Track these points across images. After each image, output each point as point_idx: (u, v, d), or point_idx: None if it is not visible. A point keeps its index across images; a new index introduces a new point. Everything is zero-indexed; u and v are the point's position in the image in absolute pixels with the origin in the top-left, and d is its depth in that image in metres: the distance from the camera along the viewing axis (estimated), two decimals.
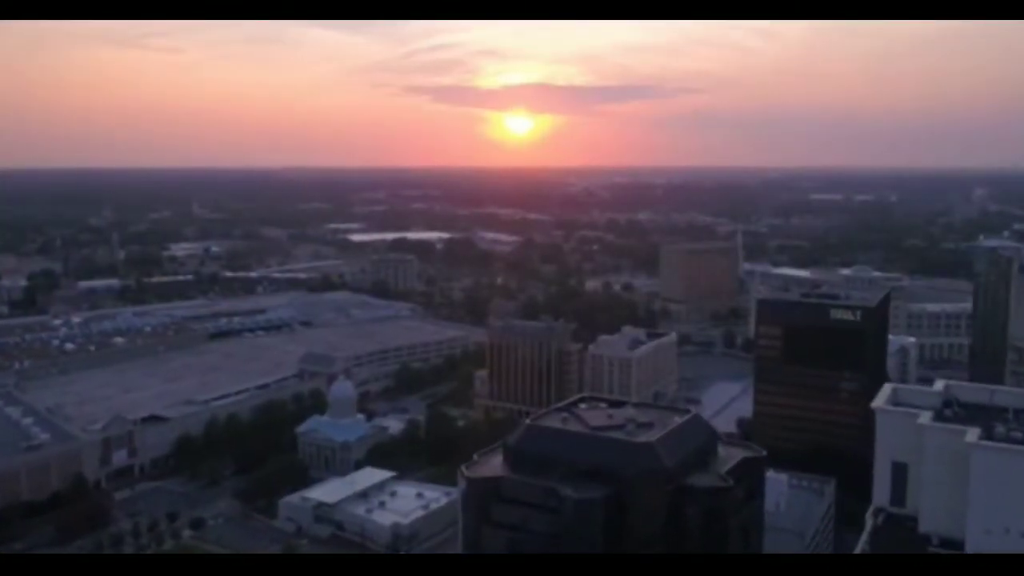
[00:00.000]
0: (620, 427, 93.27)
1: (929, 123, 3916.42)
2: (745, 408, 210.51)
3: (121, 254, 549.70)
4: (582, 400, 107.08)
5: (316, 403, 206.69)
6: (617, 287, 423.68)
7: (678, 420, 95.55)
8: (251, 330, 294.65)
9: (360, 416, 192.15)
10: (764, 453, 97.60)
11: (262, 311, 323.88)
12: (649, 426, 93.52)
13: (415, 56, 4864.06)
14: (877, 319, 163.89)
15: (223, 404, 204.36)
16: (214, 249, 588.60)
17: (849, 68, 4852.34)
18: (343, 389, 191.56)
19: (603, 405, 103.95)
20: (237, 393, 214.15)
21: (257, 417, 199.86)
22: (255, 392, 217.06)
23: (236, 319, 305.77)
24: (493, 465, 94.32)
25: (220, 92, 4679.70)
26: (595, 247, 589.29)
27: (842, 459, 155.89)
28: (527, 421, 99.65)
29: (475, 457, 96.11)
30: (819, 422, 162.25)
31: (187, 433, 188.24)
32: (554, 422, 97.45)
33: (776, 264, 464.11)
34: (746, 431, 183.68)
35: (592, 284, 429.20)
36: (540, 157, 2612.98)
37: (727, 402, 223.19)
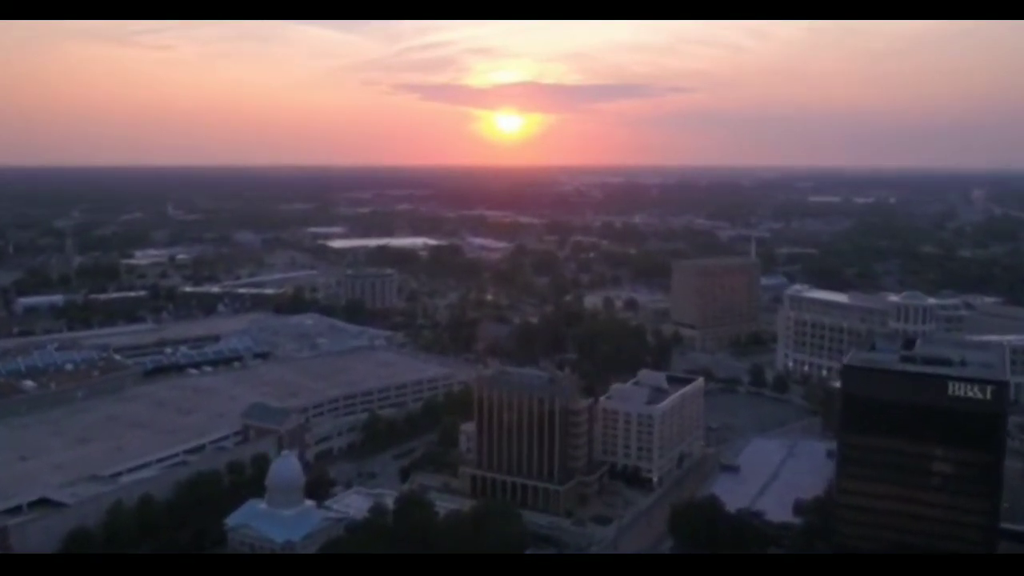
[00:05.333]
0: None
1: (922, 123, 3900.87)
2: (799, 479, 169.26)
3: (76, 263, 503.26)
4: None
5: (260, 475, 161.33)
6: (619, 303, 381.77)
7: None
8: (197, 364, 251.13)
9: (309, 503, 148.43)
10: None
11: (215, 338, 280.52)
12: None
13: (406, 54, 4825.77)
14: (1007, 394, 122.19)
15: (137, 480, 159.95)
16: (180, 257, 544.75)
17: (842, 68, 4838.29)
18: (286, 467, 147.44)
19: None
20: (159, 461, 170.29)
21: (179, 498, 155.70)
22: (183, 458, 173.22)
23: (181, 350, 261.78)
24: None
25: (210, 89, 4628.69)
26: (591, 255, 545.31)
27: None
28: None
29: None
30: (926, 519, 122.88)
31: (83, 525, 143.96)
32: None
33: (790, 276, 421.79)
34: (815, 523, 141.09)
35: (591, 299, 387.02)
36: (531, 156, 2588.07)
37: (773, 470, 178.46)
